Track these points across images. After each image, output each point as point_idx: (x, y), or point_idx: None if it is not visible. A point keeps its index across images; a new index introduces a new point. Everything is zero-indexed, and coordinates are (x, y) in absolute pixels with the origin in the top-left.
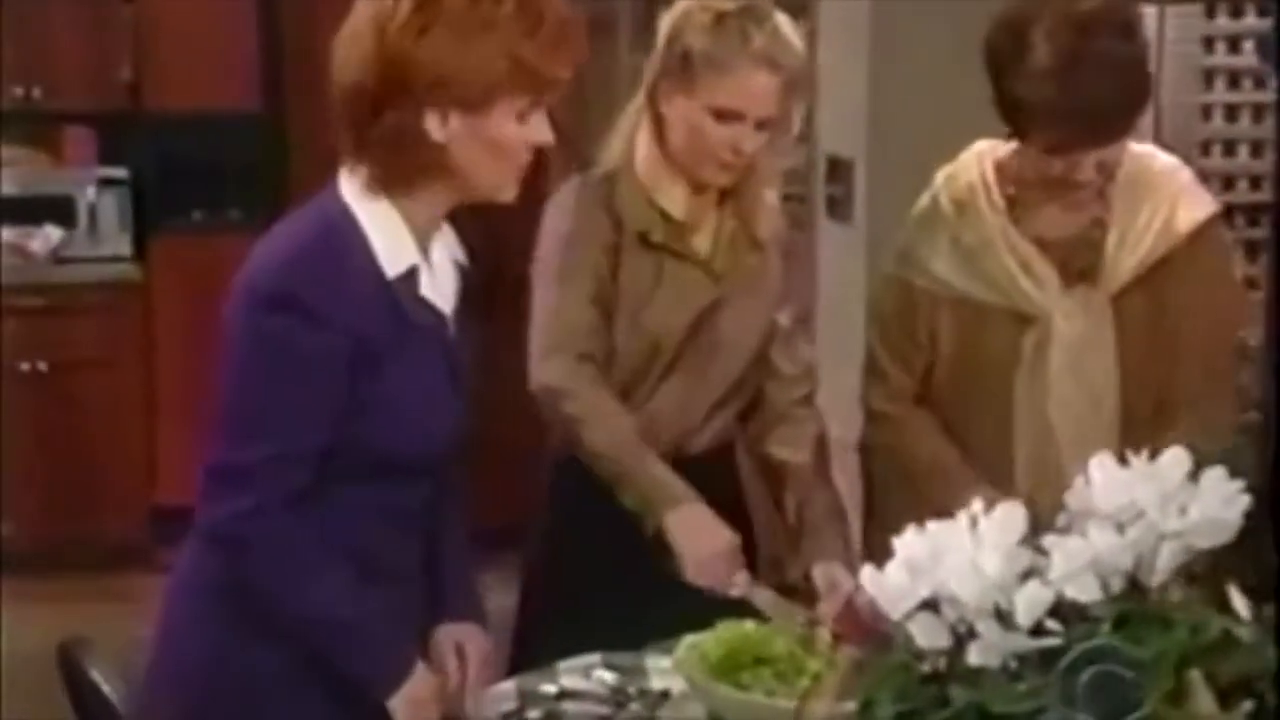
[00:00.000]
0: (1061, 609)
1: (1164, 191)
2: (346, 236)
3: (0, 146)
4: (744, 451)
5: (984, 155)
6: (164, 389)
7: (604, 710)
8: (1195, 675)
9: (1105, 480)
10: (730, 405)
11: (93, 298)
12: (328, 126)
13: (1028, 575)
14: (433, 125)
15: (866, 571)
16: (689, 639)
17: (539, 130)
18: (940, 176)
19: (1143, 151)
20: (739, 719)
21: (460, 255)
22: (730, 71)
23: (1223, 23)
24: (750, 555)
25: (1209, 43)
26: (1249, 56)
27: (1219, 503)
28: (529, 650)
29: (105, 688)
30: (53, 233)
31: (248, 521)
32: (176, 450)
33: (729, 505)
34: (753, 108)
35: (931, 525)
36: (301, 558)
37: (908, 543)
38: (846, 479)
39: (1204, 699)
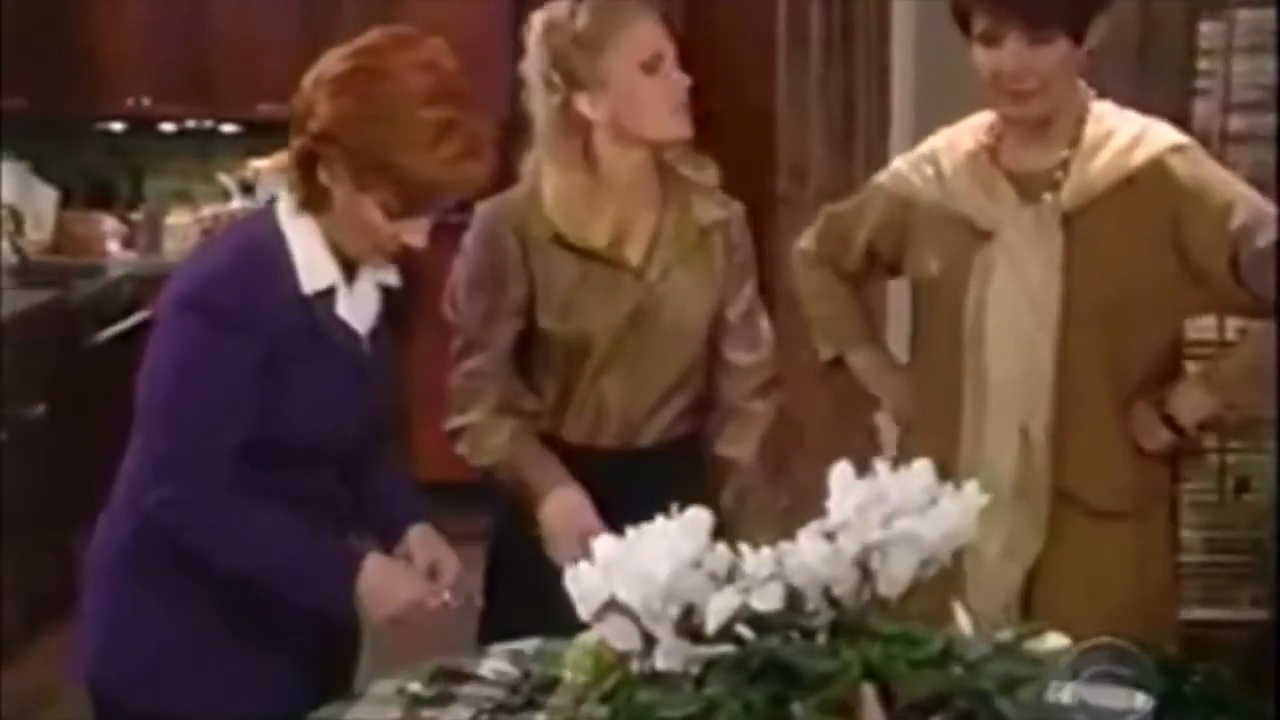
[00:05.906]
0: (766, 616)
1: (1131, 131)
2: (272, 251)
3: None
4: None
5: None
6: None
7: (495, 693)
8: (867, 688)
9: (839, 489)
10: (677, 399)
11: None
12: None
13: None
14: (323, 170)
15: (568, 571)
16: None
17: (411, 232)
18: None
19: (1122, 111)
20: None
21: (391, 278)
22: (625, 24)
23: None
24: None
25: None
26: None
27: (930, 520)
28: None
29: None
30: None
31: (177, 508)
32: None
33: (683, 498)
34: (665, 45)
35: (644, 527)
36: (227, 523)
37: (606, 543)
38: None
39: (872, 712)
